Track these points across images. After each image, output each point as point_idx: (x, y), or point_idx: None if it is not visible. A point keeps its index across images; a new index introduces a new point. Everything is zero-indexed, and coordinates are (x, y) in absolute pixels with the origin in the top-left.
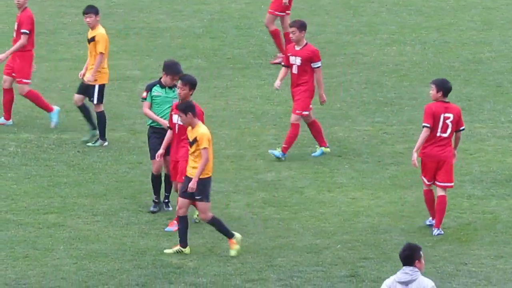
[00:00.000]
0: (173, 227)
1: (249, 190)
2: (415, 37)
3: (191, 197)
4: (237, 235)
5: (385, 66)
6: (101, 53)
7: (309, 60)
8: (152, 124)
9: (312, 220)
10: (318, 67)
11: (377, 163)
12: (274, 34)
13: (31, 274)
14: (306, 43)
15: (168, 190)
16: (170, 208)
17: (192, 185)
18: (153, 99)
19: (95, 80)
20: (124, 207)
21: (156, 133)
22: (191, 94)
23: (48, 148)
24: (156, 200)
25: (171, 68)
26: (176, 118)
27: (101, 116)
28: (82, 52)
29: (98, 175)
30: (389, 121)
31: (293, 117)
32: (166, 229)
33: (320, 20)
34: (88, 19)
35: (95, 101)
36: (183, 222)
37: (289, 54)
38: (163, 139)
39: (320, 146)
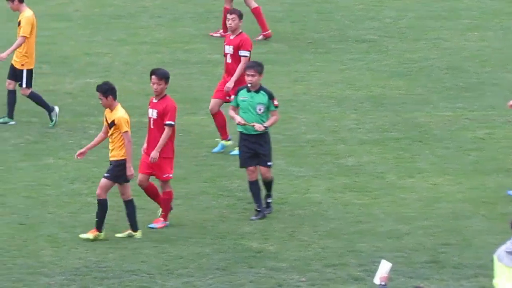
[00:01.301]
0: (158, 223)
1: (330, 175)
2: (497, 22)
3: (105, 177)
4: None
5: (466, 51)
6: (23, 36)
7: (238, 47)
8: (239, 130)
9: (393, 205)
10: (244, 55)
11: (458, 149)
12: (256, 13)
13: (111, 257)
14: (241, 32)
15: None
16: (270, 210)
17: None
18: (239, 103)
19: (22, 65)
20: (204, 191)
21: (245, 140)
22: (166, 88)
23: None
24: (258, 209)
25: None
26: (150, 112)
27: (13, 96)
28: (163, 36)
29: (178, 159)
30: (471, 106)
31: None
32: (149, 226)
33: (402, 4)
34: (10, 5)
35: (23, 85)
36: (130, 206)
37: (225, 44)
38: (252, 146)
39: (222, 139)
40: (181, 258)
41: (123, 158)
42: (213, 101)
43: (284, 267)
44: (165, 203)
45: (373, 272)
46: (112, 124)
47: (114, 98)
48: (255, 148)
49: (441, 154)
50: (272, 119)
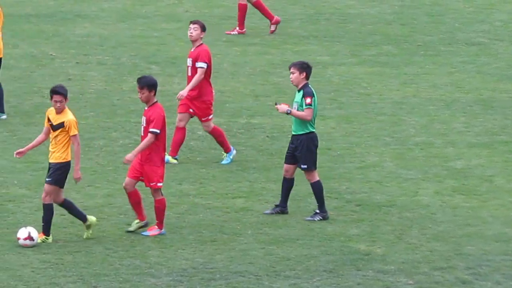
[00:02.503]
0: (153, 231)
1: (438, 177)
2: None
3: (47, 181)
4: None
5: None
6: None
7: (195, 59)
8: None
9: (501, 209)
10: (200, 67)
11: None
12: (241, 8)
13: (218, 258)
14: (201, 44)
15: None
16: (315, 219)
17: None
18: None
19: None
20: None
21: (291, 139)
22: (154, 95)
23: (237, 132)
24: (276, 203)
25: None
26: (142, 120)
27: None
28: (272, 37)
29: None
30: None
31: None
32: (142, 233)
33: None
34: None
35: None
36: (49, 210)
37: (188, 57)
38: (291, 146)
39: (170, 155)
40: (289, 259)
41: (64, 161)
42: (179, 115)
43: (392, 270)
44: (158, 211)
45: (481, 276)
46: (59, 126)
47: (65, 101)
48: (292, 148)
49: None
50: (299, 112)
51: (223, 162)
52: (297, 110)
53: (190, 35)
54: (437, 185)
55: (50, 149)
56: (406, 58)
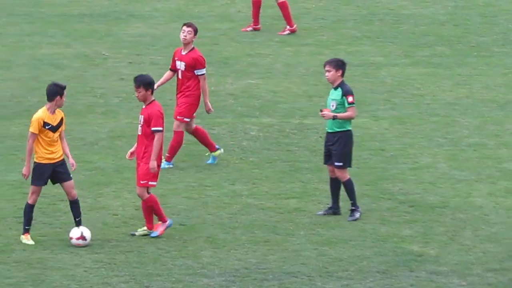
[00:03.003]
0: (159, 228)
1: (492, 179)
2: None
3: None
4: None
5: None
6: None
7: (192, 66)
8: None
9: None
10: (201, 74)
11: None
12: (282, 6)
13: (271, 258)
14: (193, 48)
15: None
16: (356, 216)
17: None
18: None
19: None
20: (365, 193)
21: (325, 137)
22: (151, 93)
23: (290, 133)
24: (329, 205)
25: None
26: (139, 118)
27: None
28: (325, 37)
29: None
30: None
31: (175, 124)
32: (151, 235)
33: None
34: None
35: None
36: (28, 208)
37: (176, 59)
38: (326, 144)
39: (211, 152)
40: (341, 260)
41: (38, 162)
42: (177, 123)
43: (445, 271)
44: (149, 210)
45: None
46: (59, 125)
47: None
48: (328, 146)
49: None
50: (345, 114)
51: (209, 161)
52: (336, 108)
53: (184, 38)
54: (490, 187)
55: (55, 150)
56: (459, 59)
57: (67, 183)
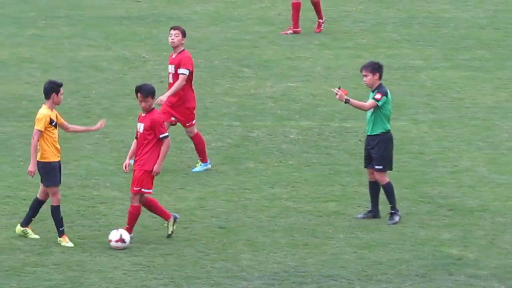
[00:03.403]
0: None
1: None
2: None
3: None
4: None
5: None
6: None
7: (178, 66)
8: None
9: None
10: (182, 73)
11: None
12: (315, 3)
13: (310, 262)
14: (183, 50)
15: (391, 201)
16: (395, 220)
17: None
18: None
19: None
20: (404, 197)
21: (365, 141)
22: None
23: (329, 136)
24: (369, 208)
25: None
26: (138, 126)
27: None
28: (365, 41)
29: None
30: None
31: (187, 131)
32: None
33: None
34: None
35: None
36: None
37: (169, 63)
38: (366, 147)
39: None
40: (380, 264)
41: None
42: (188, 130)
43: (484, 275)
44: (132, 217)
45: None
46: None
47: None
48: (368, 149)
49: None
50: (358, 102)
51: (194, 169)
52: (372, 110)
53: (171, 42)
54: None
55: (59, 147)
56: (499, 62)
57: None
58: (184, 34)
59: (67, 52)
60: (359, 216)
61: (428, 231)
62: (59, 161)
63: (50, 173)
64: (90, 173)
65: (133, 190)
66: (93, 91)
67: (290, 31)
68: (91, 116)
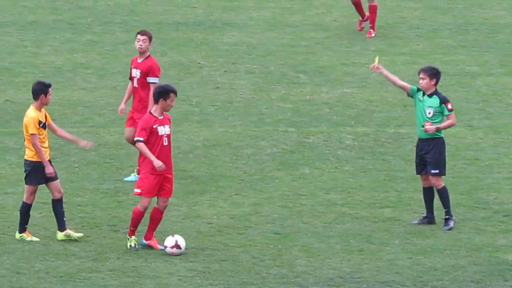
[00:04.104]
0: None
1: None
2: None
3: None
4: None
5: None
6: None
7: (146, 74)
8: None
9: None
10: (153, 82)
11: None
12: (371, 8)
13: (365, 268)
14: (149, 56)
15: (446, 205)
16: (450, 225)
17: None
18: (416, 102)
19: None
20: (460, 203)
21: (416, 145)
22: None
23: (385, 142)
24: (424, 214)
25: None
26: (161, 130)
27: None
28: (421, 47)
29: None
30: None
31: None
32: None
33: None
34: None
35: None
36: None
37: (132, 67)
38: (420, 152)
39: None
40: (436, 270)
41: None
42: (127, 130)
43: None
44: (133, 220)
45: None
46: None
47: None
48: (422, 154)
49: None
50: (446, 122)
51: (127, 178)
52: (433, 115)
53: (139, 47)
54: None
55: (47, 146)
56: None
57: (55, 183)
58: (151, 39)
59: (123, 58)
60: (415, 222)
61: (483, 237)
62: (49, 160)
63: (33, 172)
64: None
65: (134, 192)
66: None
67: (373, 33)
68: None
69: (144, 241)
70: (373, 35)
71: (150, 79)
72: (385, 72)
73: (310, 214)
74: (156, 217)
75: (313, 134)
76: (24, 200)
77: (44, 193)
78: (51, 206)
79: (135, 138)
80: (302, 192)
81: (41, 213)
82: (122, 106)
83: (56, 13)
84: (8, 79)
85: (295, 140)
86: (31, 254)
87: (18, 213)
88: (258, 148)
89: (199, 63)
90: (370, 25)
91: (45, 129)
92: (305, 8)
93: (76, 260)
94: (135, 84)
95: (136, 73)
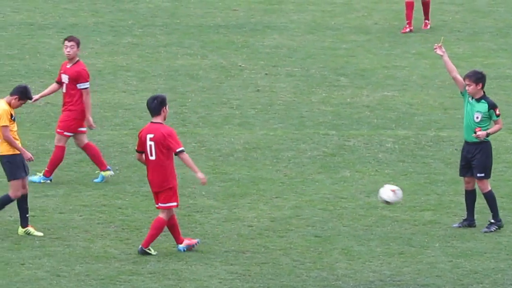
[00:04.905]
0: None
1: None
2: None
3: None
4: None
5: None
6: None
7: (75, 79)
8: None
9: None
10: (84, 88)
11: None
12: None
13: (406, 271)
14: (78, 61)
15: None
16: (491, 229)
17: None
18: (465, 104)
19: None
20: (501, 206)
21: (463, 148)
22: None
23: (425, 145)
24: (464, 217)
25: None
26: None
27: None
28: (462, 50)
29: None
30: None
31: (56, 138)
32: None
33: None
34: None
35: None
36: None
37: (61, 72)
38: (466, 155)
39: (101, 170)
40: (476, 273)
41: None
42: (58, 137)
43: None
44: (170, 229)
45: None
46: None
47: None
48: (468, 157)
49: None
50: (495, 127)
51: (32, 178)
52: (481, 120)
53: (67, 54)
54: None
55: (17, 139)
56: None
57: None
58: (78, 45)
59: (164, 61)
60: (455, 225)
61: None
62: (20, 154)
63: (14, 166)
64: (186, 182)
65: (158, 206)
66: (190, 100)
67: (408, 29)
68: (187, 125)
69: (180, 246)
70: (428, 26)
71: (81, 85)
72: (446, 57)
73: (350, 217)
74: (174, 223)
75: (354, 137)
76: (13, 197)
77: (84, 195)
78: (71, 207)
79: (180, 149)
80: (343, 195)
81: (82, 216)
82: (36, 97)
83: (97, 15)
84: (49, 81)
85: (336, 143)
86: (71, 257)
87: (59, 216)
88: (298, 151)
89: (239, 65)
90: (424, 17)
91: (15, 122)
92: (346, 11)
93: (117, 262)
94: (64, 90)
95: (65, 78)
